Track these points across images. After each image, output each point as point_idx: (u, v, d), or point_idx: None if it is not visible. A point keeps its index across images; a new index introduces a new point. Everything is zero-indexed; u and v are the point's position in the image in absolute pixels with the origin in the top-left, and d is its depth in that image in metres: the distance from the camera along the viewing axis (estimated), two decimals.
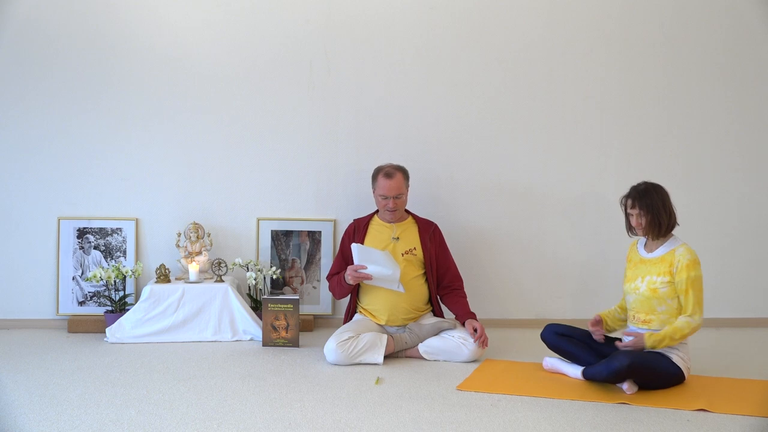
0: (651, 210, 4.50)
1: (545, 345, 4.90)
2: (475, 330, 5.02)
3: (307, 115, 5.92)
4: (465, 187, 6.01)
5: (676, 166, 6.13)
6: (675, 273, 4.50)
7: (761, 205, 6.21)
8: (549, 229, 6.10)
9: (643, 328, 4.57)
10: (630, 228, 4.67)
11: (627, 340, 4.53)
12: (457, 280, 5.38)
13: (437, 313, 5.32)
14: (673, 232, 4.60)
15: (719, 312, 6.07)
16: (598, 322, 4.74)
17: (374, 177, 5.29)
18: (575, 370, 4.63)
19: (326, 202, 5.95)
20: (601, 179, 6.09)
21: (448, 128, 6.00)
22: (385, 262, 4.99)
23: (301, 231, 5.94)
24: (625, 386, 4.38)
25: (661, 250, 4.58)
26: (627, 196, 4.60)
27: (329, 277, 5.38)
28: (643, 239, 4.70)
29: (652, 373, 4.38)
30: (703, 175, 6.16)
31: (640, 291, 4.56)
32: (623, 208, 4.64)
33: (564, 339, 4.80)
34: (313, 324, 5.84)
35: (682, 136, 6.14)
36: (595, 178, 6.09)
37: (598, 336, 4.71)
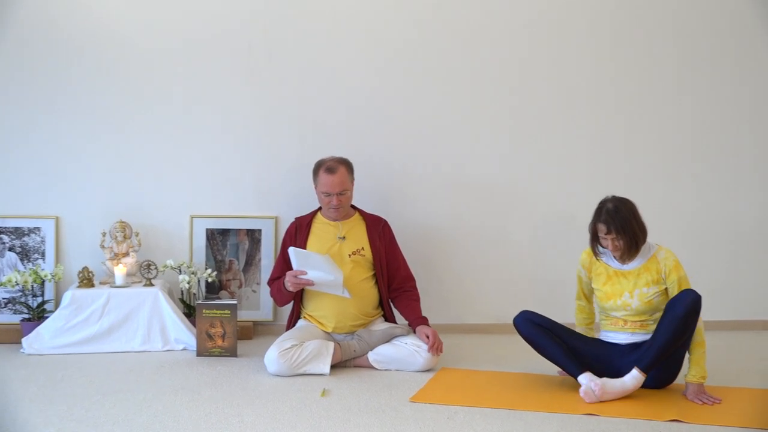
0: (627, 231, 4.51)
1: (516, 332, 4.81)
2: (428, 336, 5.01)
3: (246, 103, 5.90)
4: (419, 180, 6.01)
5: (649, 162, 6.17)
6: (665, 278, 4.58)
7: (737, 206, 6.27)
8: (511, 226, 6.11)
9: (639, 333, 4.61)
10: (597, 253, 4.67)
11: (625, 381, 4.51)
12: (409, 280, 5.37)
13: (389, 318, 5.31)
14: None
15: None
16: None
17: (315, 172, 5.26)
18: (631, 380, 4.50)
19: (267, 197, 5.93)
20: (570, 175, 6.12)
21: (401, 118, 6.00)
22: (326, 267, 4.96)
23: (239, 229, 5.90)
24: (591, 386, 4.40)
25: (640, 259, 4.62)
26: (599, 221, 4.56)
27: (270, 282, 5.35)
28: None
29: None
30: (676, 170, 6.22)
31: (633, 307, 4.60)
32: (592, 233, 4.63)
33: (538, 330, 4.73)
34: (253, 331, 5.82)
35: (655, 130, 6.18)
36: (564, 174, 6.12)
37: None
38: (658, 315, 4.58)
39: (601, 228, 4.54)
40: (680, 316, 4.37)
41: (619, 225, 4.49)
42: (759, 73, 6.23)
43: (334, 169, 5.18)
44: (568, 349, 4.67)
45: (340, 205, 5.21)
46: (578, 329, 4.93)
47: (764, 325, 6.27)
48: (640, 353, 4.50)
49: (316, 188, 5.27)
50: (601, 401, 4.40)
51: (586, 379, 4.50)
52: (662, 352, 4.44)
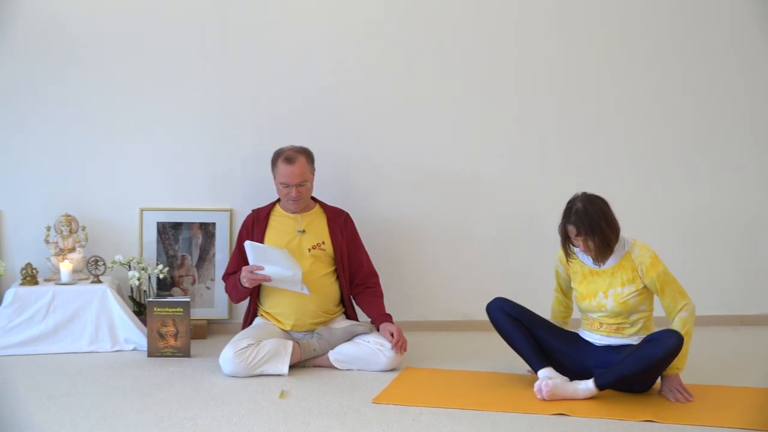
0: (597, 233, 4.48)
1: (488, 319, 4.84)
2: (392, 334, 5.01)
3: (199, 89, 5.86)
4: (382, 172, 6.01)
5: (622, 153, 6.22)
6: (642, 277, 4.56)
7: (713, 199, 6.33)
8: (478, 219, 6.13)
9: (614, 336, 4.62)
10: (569, 253, 4.66)
11: (579, 387, 4.52)
12: (372, 276, 5.38)
13: (350, 315, 5.31)
14: None
15: None
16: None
17: (273, 162, 5.24)
18: (584, 391, 4.51)
19: (221, 189, 5.91)
20: (539, 167, 6.15)
21: (363, 106, 6.00)
22: (283, 262, 4.95)
23: (192, 223, 5.88)
24: (542, 385, 4.44)
25: (615, 257, 4.61)
26: (569, 223, 4.54)
27: (225, 277, 5.33)
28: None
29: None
30: (651, 161, 6.28)
31: (608, 308, 4.60)
32: (563, 234, 4.62)
33: (509, 321, 4.75)
34: (207, 330, 5.80)
35: (629, 122, 6.24)
36: (532, 166, 6.15)
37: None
38: (636, 317, 4.59)
39: (571, 229, 4.53)
40: (656, 358, 4.38)
41: (588, 226, 4.46)
42: (737, 61, 6.30)
43: (294, 159, 5.17)
44: (536, 345, 4.72)
45: (300, 197, 5.19)
46: (553, 322, 4.94)
47: (741, 320, 6.34)
48: (609, 362, 4.52)
49: (274, 179, 5.25)
50: (550, 400, 4.44)
51: (543, 374, 4.58)
52: (625, 380, 4.47)
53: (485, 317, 5.67)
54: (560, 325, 4.96)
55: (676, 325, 4.49)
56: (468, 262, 6.12)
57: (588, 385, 4.48)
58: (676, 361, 4.46)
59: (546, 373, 4.57)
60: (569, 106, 6.16)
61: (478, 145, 6.10)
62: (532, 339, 4.73)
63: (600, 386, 4.47)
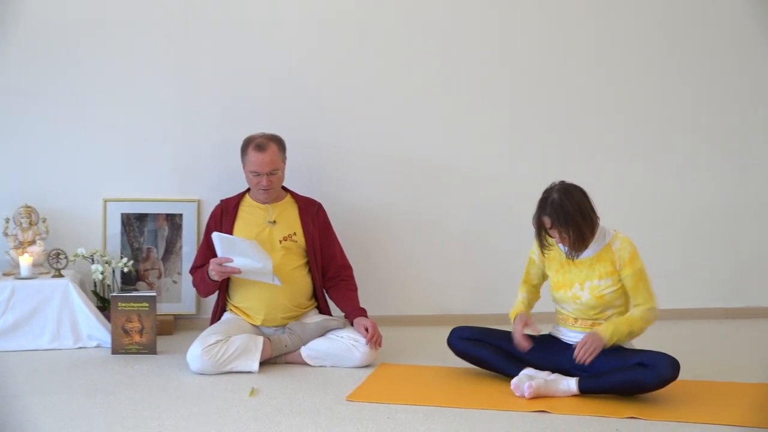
0: (571, 226, 4.46)
1: (452, 351, 4.92)
2: (367, 329, 5.01)
3: (163, 76, 5.85)
4: (354, 159, 6.02)
5: (599, 140, 6.27)
6: (619, 270, 4.56)
7: (694, 187, 6.38)
8: (455, 210, 6.16)
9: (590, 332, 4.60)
10: (544, 245, 4.64)
11: (562, 386, 4.52)
12: (345, 269, 5.38)
13: (323, 309, 5.31)
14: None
15: None
16: (526, 321, 4.72)
17: (243, 150, 5.22)
18: (565, 392, 4.52)
19: (188, 178, 5.90)
20: (516, 154, 6.17)
21: (334, 92, 6.00)
22: (253, 254, 4.95)
23: (158, 214, 5.87)
24: (525, 386, 4.45)
25: (594, 248, 4.59)
26: (544, 215, 4.52)
27: (192, 271, 5.33)
28: None
29: None
30: (629, 148, 6.32)
31: (583, 300, 4.59)
32: (537, 225, 4.60)
33: (473, 345, 4.82)
34: (174, 326, 5.79)
35: (607, 107, 6.28)
36: (508, 153, 6.18)
37: (523, 346, 4.66)
38: (611, 313, 4.58)
39: (546, 221, 4.52)
40: (648, 386, 4.38)
41: (563, 219, 4.45)
42: (717, 49, 6.36)
43: (264, 147, 5.15)
44: (507, 353, 4.74)
45: (271, 186, 5.18)
46: (519, 296, 4.87)
47: (726, 313, 6.39)
48: (594, 365, 4.50)
49: (244, 167, 5.23)
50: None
51: (525, 371, 4.61)
52: (608, 391, 4.47)
53: (463, 311, 5.72)
54: (523, 302, 4.87)
55: (636, 312, 4.50)
56: (445, 254, 6.14)
57: (570, 386, 4.50)
58: (611, 331, 4.45)
59: (526, 372, 4.59)
60: (548, 94, 6.19)
61: (455, 135, 6.11)
62: (501, 350, 4.77)
63: (583, 390, 4.48)
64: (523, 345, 4.64)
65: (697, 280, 6.38)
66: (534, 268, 4.87)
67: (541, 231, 4.59)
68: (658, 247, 6.12)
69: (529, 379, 4.50)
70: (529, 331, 4.70)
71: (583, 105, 6.22)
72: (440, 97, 6.09)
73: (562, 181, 4.57)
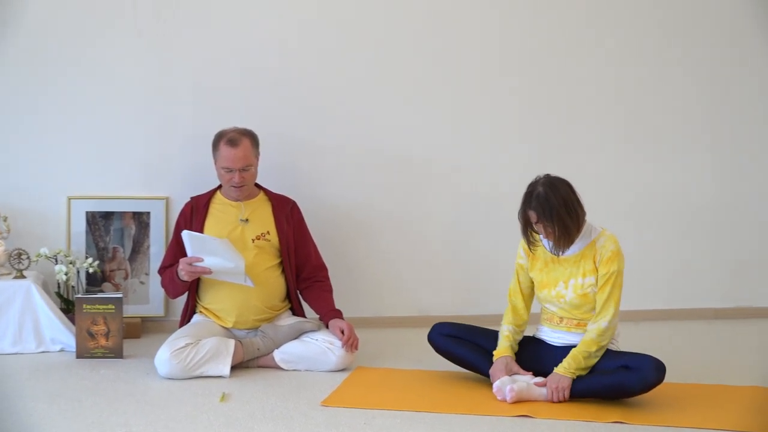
0: (556, 221, 4.46)
1: (433, 349, 4.94)
2: (342, 331, 5.02)
3: (132, 69, 5.83)
4: (331, 156, 6.02)
5: (586, 132, 6.29)
6: (598, 266, 4.55)
7: (684, 183, 6.41)
8: (433, 206, 6.16)
9: (575, 332, 4.62)
10: (531, 242, 4.64)
11: (544, 390, 4.51)
12: (321, 270, 5.38)
13: (297, 311, 5.32)
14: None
15: (640, 304, 6.22)
16: (509, 370, 4.66)
17: (215, 145, 5.22)
18: (541, 391, 4.54)
19: (157, 175, 5.89)
20: (499, 147, 6.19)
21: (310, 87, 6.00)
22: (224, 253, 4.94)
23: (125, 212, 5.86)
24: (507, 389, 4.46)
25: (579, 245, 4.59)
26: (529, 208, 4.52)
27: (161, 271, 5.31)
28: None
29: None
30: (617, 141, 6.34)
31: (567, 299, 4.60)
32: (523, 220, 4.59)
33: (452, 341, 4.84)
34: (141, 329, 5.78)
35: (593, 99, 6.30)
36: (491, 147, 6.20)
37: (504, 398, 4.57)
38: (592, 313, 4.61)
39: (531, 216, 4.52)
40: (633, 390, 4.39)
41: (548, 213, 4.44)
42: (715, 43, 6.40)
43: (237, 142, 5.14)
44: (489, 353, 4.75)
45: (243, 183, 5.17)
46: (504, 328, 4.79)
47: (716, 314, 6.42)
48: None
49: (215, 163, 5.22)
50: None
51: (504, 381, 4.58)
52: (592, 395, 4.48)
53: (443, 312, 5.72)
54: (510, 332, 4.80)
55: (591, 333, 4.47)
56: (423, 253, 6.15)
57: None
58: (573, 367, 4.46)
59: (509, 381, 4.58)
60: (534, 88, 6.20)
61: (433, 128, 6.12)
62: (483, 350, 4.79)
63: (571, 395, 4.50)
64: (504, 397, 4.52)
65: (686, 281, 6.41)
66: (523, 275, 4.81)
67: (527, 226, 4.58)
68: (646, 247, 6.16)
69: (511, 382, 4.51)
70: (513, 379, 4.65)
71: (572, 99, 6.25)
72: (420, 93, 6.10)
73: (547, 175, 4.57)
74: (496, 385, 4.52)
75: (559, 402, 4.44)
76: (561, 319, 4.68)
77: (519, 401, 4.45)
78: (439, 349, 4.91)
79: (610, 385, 4.42)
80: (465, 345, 4.83)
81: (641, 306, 6.22)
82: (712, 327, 6.25)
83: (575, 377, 4.46)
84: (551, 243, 4.56)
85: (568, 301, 4.60)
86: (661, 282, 6.36)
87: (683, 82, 6.35)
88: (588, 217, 4.59)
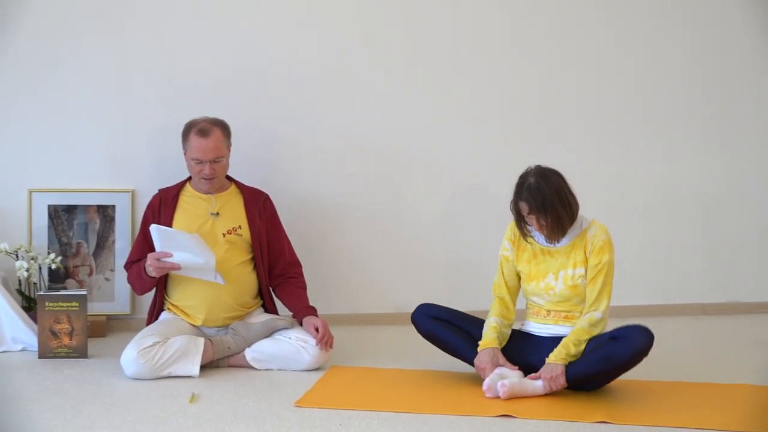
0: (549, 212, 4.52)
1: (415, 329, 4.93)
2: (317, 329, 5.02)
3: (94, 56, 5.83)
4: (305, 147, 6.04)
5: (571, 121, 6.32)
6: (588, 257, 4.61)
7: (671, 173, 6.45)
8: (412, 200, 6.19)
9: (563, 325, 4.67)
10: (526, 233, 4.67)
11: (538, 384, 4.55)
12: (294, 265, 5.38)
13: (269, 308, 5.32)
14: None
15: (626, 299, 6.23)
16: (497, 362, 4.68)
17: (185, 135, 5.21)
18: (535, 384, 4.57)
19: (122, 167, 5.89)
20: (482, 137, 6.22)
21: (282, 73, 6.01)
22: (194, 248, 4.93)
23: (89, 206, 5.86)
24: (499, 386, 4.47)
25: (570, 236, 4.65)
26: (520, 200, 4.57)
27: (128, 266, 5.29)
28: None
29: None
30: (603, 130, 6.39)
31: (557, 291, 4.65)
32: (515, 212, 4.64)
33: (438, 324, 4.85)
34: (106, 327, 5.78)
35: (579, 86, 6.34)
36: (474, 136, 6.22)
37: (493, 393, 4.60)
38: (581, 306, 4.65)
39: (523, 207, 4.57)
40: (623, 359, 4.43)
41: (541, 204, 4.50)
42: (696, 26, 6.45)
43: (208, 132, 5.14)
44: (472, 338, 4.78)
45: (214, 175, 5.17)
46: (491, 319, 4.83)
47: (704, 309, 6.46)
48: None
49: (185, 154, 5.21)
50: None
51: (496, 370, 4.61)
52: (590, 378, 4.53)
53: None
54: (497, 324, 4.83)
55: (583, 321, 4.55)
56: (401, 248, 6.17)
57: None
58: (563, 354, 4.51)
59: (498, 372, 4.59)
60: (515, 75, 6.24)
61: (413, 116, 6.14)
62: (470, 336, 4.80)
63: (569, 380, 4.53)
64: (496, 395, 4.54)
65: (671, 274, 6.44)
66: (508, 268, 4.83)
67: (520, 218, 4.63)
68: (629, 238, 6.17)
69: (501, 378, 4.53)
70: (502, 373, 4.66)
71: (558, 88, 6.29)
72: (398, 80, 6.11)
73: (539, 165, 4.63)
74: (486, 383, 4.52)
75: (557, 390, 4.50)
76: (548, 312, 4.71)
77: (513, 397, 4.47)
78: (422, 331, 4.91)
79: (600, 359, 4.46)
80: (451, 329, 4.84)
81: (627, 302, 6.23)
82: (700, 323, 6.28)
83: (567, 364, 4.52)
84: (544, 234, 4.61)
85: (558, 293, 4.64)
86: (647, 276, 6.39)
87: (672, 71, 6.39)
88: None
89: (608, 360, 4.45)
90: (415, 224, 6.18)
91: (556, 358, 4.52)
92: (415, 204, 6.17)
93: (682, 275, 6.47)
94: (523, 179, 4.60)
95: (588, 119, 6.30)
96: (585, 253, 4.62)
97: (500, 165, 6.00)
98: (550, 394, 4.54)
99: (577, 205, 4.61)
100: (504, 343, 4.77)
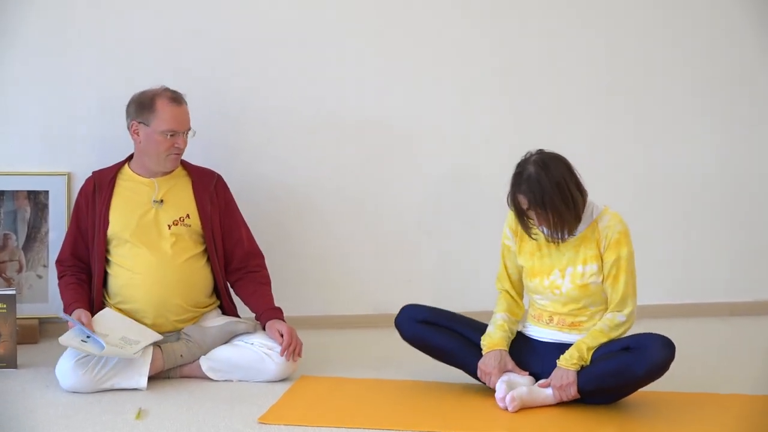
0: (549, 207, 4.47)
1: (400, 336, 4.92)
2: (282, 335, 5.02)
3: (21, 18, 5.80)
4: (266, 121, 6.06)
5: (571, 99, 6.37)
6: (603, 252, 4.57)
7: (686, 158, 6.49)
8: (394, 184, 6.20)
9: (568, 333, 4.65)
10: (528, 228, 4.63)
11: (548, 392, 4.57)
12: (255, 257, 5.38)
13: (227, 309, 5.32)
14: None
15: (641, 299, 6.25)
16: (505, 367, 4.71)
17: (146, 106, 5.15)
18: (546, 393, 4.59)
19: (57, 147, 5.90)
20: (472, 118, 6.25)
21: (242, 35, 6.02)
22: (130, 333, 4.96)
23: (18, 191, 5.87)
24: (508, 399, 4.47)
25: (581, 227, 4.60)
26: (518, 192, 4.51)
27: (59, 266, 5.29)
28: None
29: None
30: (607, 110, 6.43)
31: (564, 291, 4.61)
32: (513, 206, 4.58)
33: (428, 328, 4.83)
34: (39, 332, 5.78)
35: (581, 62, 6.38)
36: (464, 115, 6.25)
37: (502, 399, 4.61)
38: (596, 309, 4.61)
39: (521, 200, 4.51)
40: (639, 375, 4.41)
41: (540, 199, 4.45)
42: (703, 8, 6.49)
43: (181, 99, 5.16)
44: (469, 342, 4.77)
45: (182, 150, 5.18)
46: (497, 316, 4.84)
47: (731, 309, 6.49)
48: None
49: (146, 128, 5.12)
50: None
51: (503, 377, 4.61)
52: (602, 390, 4.52)
53: None
54: (505, 321, 4.84)
55: (603, 323, 4.54)
56: (382, 240, 6.19)
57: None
58: (576, 355, 4.50)
59: (504, 379, 4.60)
60: (509, 42, 6.27)
61: (394, 88, 6.14)
62: (461, 336, 4.80)
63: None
64: (501, 397, 4.56)
65: (695, 270, 6.47)
66: (511, 259, 4.83)
67: (521, 213, 4.57)
68: (647, 232, 6.18)
69: (509, 387, 4.52)
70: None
71: (558, 62, 6.31)
72: (376, 46, 6.14)
73: (540, 151, 4.57)
74: (499, 393, 4.51)
75: (568, 400, 4.52)
76: (551, 317, 4.69)
77: (523, 409, 4.47)
78: (408, 337, 4.89)
79: (613, 371, 4.44)
80: (443, 333, 4.81)
81: (643, 301, 6.22)
82: (727, 325, 6.30)
83: (579, 369, 4.51)
84: (545, 232, 4.59)
85: (565, 293, 4.61)
86: (667, 273, 6.41)
87: (687, 44, 6.42)
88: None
89: (621, 374, 4.43)
90: (399, 212, 6.20)
91: (567, 363, 4.51)
92: (397, 188, 6.19)
93: (707, 272, 6.49)
94: (521, 168, 4.53)
95: (591, 96, 6.32)
96: (598, 247, 4.57)
97: (498, 146, 6.00)
98: (561, 404, 4.54)
99: (583, 199, 4.55)
100: (513, 334, 4.79)
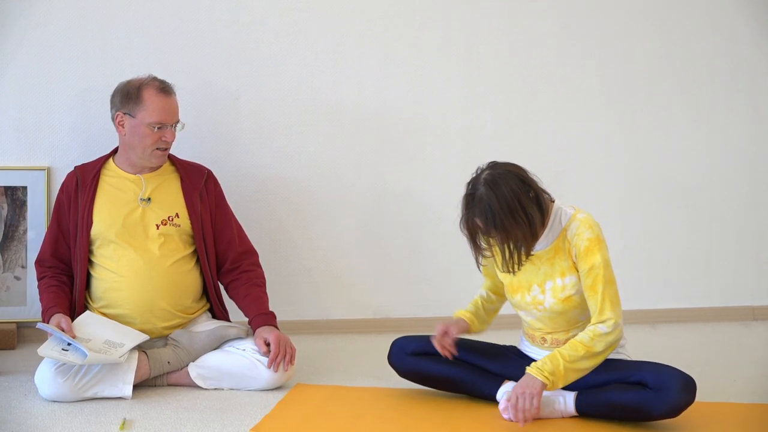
0: (505, 230, 4.37)
1: (395, 372, 4.95)
2: (269, 344, 5.01)
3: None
4: (258, 113, 6.08)
5: (556, 92, 6.39)
6: (576, 263, 4.50)
7: (682, 156, 6.51)
8: (393, 181, 6.23)
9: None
10: (484, 255, 4.58)
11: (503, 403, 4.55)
12: (248, 255, 5.38)
13: (218, 313, 5.34)
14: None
15: (656, 302, 6.30)
16: (447, 331, 4.77)
17: (132, 97, 5.15)
18: (563, 408, 4.58)
19: (35, 140, 5.91)
20: (477, 102, 6.26)
21: (232, 29, 6.03)
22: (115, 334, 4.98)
23: None
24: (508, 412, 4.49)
25: (548, 238, 4.55)
26: (475, 216, 4.41)
27: (38, 265, 5.30)
28: None
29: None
30: (598, 105, 6.44)
31: (546, 306, 4.57)
32: (469, 232, 4.49)
33: (423, 360, 4.85)
34: (16, 337, 5.80)
35: (577, 51, 6.42)
36: (467, 102, 6.26)
37: (446, 353, 4.72)
38: (585, 319, 4.55)
39: (479, 223, 4.41)
40: (654, 414, 4.37)
41: (492, 222, 4.36)
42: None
43: (170, 89, 5.17)
44: (471, 365, 4.79)
45: (170, 145, 5.20)
46: (477, 293, 4.92)
47: (754, 314, 6.49)
48: (585, 379, 4.50)
49: (132, 119, 5.13)
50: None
51: (504, 387, 4.65)
52: (608, 414, 4.49)
53: (403, 314, 5.74)
54: (472, 313, 4.90)
55: (584, 334, 4.40)
56: (382, 238, 6.22)
57: (569, 407, 4.54)
58: (549, 365, 4.36)
59: (507, 389, 4.60)
60: (509, 27, 6.31)
61: (394, 79, 6.18)
62: (462, 362, 4.80)
63: (580, 412, 4.52)
64: (444, 353, 4.73)
65: (714, 272, 6.47)
66: (490, 277, 4.88)
67: (475, 237, 4.48)
68: (665, 229, 6.22)
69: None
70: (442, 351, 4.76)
71: (552, 53, 6.35)
72: (369, 34, 6.17)
73: (492, 164, 4.49)
74: (501, 406, 4.54)
75: (524, 415, 4.32)
76: (543, 339, 4.66)
77: (533, 421, 4.44)
78: (406, 374, 4.91)
79: (626, 406, 4.40)
80: (442, 361, 4.79)
81: (661, 304, 6.28)
82: (750, 330, 6.32)
83: (549, 384, 4.34)
84: (501, 260, 4.49)
85: (548, 308, 4.56)
86: (686, 274, 6.42)
87: (683, 33, 6.47)
88: (559, 201, 4.57)
89: (635, 411, 4.38)
90: (397, 210, 6.22)
91: (537, 372, 4.34)
92: (397, 186, 6.22)
93: (727, 274, 6.49)
94: (473, 189, 4.44)
95: (581, 91, 6.37)
96: (571, 257, 4.50)
97: (500, 139, 6.03)
98: (576, 415, 4.53)
99: (542, 212, 4.43)
100: (482, 328, 4.88)
